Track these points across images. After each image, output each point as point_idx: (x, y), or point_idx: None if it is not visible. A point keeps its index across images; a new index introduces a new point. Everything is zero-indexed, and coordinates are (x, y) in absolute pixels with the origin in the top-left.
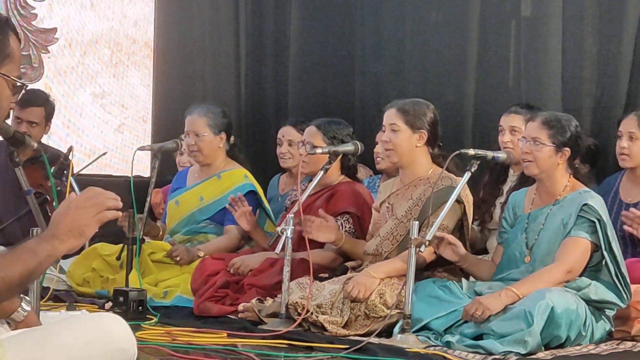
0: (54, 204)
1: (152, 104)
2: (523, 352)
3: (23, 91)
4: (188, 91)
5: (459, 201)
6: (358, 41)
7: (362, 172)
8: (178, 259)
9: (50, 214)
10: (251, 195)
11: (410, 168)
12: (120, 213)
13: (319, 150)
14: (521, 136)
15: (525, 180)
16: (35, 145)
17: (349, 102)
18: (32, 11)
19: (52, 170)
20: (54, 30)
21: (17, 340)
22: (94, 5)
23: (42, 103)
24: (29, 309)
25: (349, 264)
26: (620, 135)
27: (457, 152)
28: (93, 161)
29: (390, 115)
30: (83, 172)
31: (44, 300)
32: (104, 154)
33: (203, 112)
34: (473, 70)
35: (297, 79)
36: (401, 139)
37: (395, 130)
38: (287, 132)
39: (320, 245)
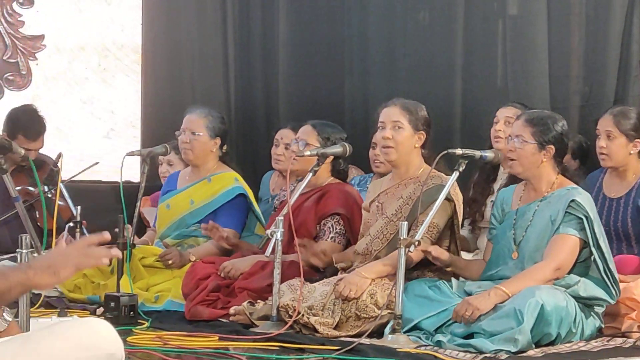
0: (43, 210)
1: (140, 109)
2: (514, 350)
3: None
4: (177, 95)
5: (449, 199)
6: (346, 42)
7: (354, 172)
8: (170, 262)
9: (38, 222)
10: (241, 198)
11: (404, 168)
12: (104, 261)
13: (307, 153)
14: (508, 134)
15: (515, 178)
16: (23, 152)
17: (338, 102)
18: (19, 18)
19: (41, 177)
20: (41, 37)
21: (3, 347)
22: (81, 11)
23: (45, 128)
24: (10, 319)
25: (339, 265)
26: (598, 134)
27: (445, 152)
28: (84, 170)
29: (394, 113)
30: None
31: (35, 306)
32: (96, 163)
33: (204, 114)
34: (461, 69)
35: (286, 80)
36: (404, 137)
37: (399, 127)
38: (285, 135)
39: None
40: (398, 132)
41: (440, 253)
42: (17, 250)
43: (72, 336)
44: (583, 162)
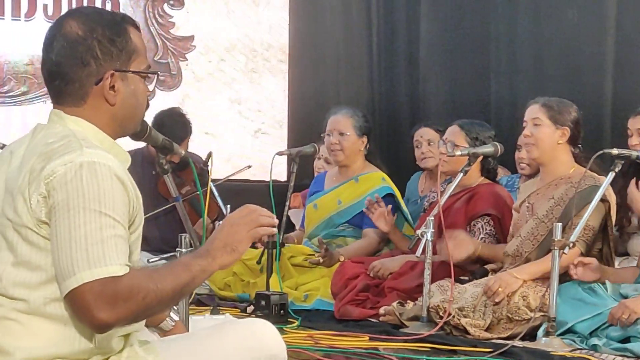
0: (202, 209)
1: (288, 109)
2: None
3: (156, 78)
4: (323, 95)
5: (603, 200)
6: (492, 41)
7: (501, 172)
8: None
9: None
10: (389, 198)
11: (551, 166)
12: (274, 229)
13: (458, 153)
14: None
15: None
16: (183, 152)
17: (483, 103)
18: (169, 20)
19: (190, 178)
20: (191, 38)
21: (170, 346)
22: (230, 12)
23: (190, 132)
24: (177, 318)
25: (489, 266)
26: None
27: (601, 151)
28: (235, 173)
29: (534, 110)
30: (220, 176)
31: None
32: (249, 167)
33: (349, 114)
34: (611, 69)
35: (430, 80)
36: (544, 133)
37: (537, 124)
38: (424, 133)
39: None
40: (537, 128)
41: (588, 260)
42: (177, 249)
43: (237, 337)
44: None
